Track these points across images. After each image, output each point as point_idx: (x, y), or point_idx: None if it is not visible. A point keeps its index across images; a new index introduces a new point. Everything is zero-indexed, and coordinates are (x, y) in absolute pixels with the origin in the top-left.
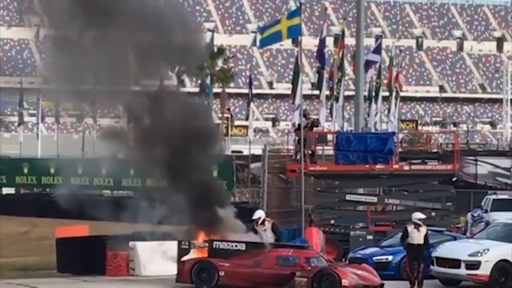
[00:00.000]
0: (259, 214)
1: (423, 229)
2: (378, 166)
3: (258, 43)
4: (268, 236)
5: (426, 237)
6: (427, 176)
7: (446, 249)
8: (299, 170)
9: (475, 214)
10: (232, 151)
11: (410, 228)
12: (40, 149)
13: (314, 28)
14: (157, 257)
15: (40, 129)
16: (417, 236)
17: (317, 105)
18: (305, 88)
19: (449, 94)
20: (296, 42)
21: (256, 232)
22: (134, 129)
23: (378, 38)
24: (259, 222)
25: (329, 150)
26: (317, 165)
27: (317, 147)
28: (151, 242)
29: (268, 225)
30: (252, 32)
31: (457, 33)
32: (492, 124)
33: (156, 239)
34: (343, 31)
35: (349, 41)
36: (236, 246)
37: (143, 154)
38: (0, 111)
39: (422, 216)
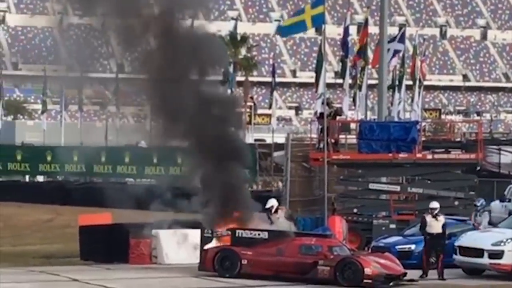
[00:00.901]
0: (272, 202)
1: (441, 219)
2: (401, 155)
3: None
4: (282, 225)
5: (444, 227)
6: (450, 165)
7: (469, 238)
8: (322, 159)
9: (478, 204)
10: (255, 140)
11: (428, 217)
12: (64, 137)
13: (338, 17)
14: (179, 245)
15: (64, 117)
16: (435, 225)
17: (340, 93)
18: (328, 76)
19: (472, 83)
20: (319, 31)
21: (271, 221)
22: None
23: (401, 26)
24: (273, 210)
25: (352, 138)
26: (340, 154)
27: (340, 136)
28: (174, 230)
29: (281, 213)
30: (276, 20)
31: (481, 21)
32: None
33: (178, 227)
34: (366, 20)
35: (373, 29)
36: (258, 234)
37: (166, 143)
38: (23, 99)
39: (437, 205)
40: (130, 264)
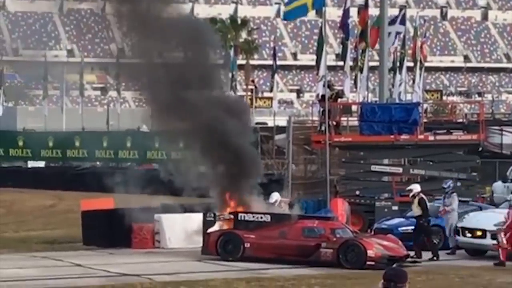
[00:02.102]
0: (275, 197)
1: (416, 201)
2: (403, 137)
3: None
4: None
5: (422, 207)
6: (452, 146)
7: (472, 219)
8: (324, 141)
9: (445, 186)
10: (257, 123)
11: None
12: (65, 122)
13: None
14: (182, 229)
15: (65, 103)
16: (413, 208)
17: (342, 76)
18: (329, 59)
19: (473, 64)
20: (320, 13)
21: None
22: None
23: (402, 8)
24: (276, 204)
25: (353, 121)
26: (342, 136)
27: (342, 118)
28: (177, 215)
29: (285, 206)
30: (276, 3)
31: (481, 2)
32: None
33: (181, 212)
34: (366, 1)
35: (373, 11)
36: (261, 217)
37: (168, 126)
38: (24, 85)
39: (412, 187)
40: (132, 248)
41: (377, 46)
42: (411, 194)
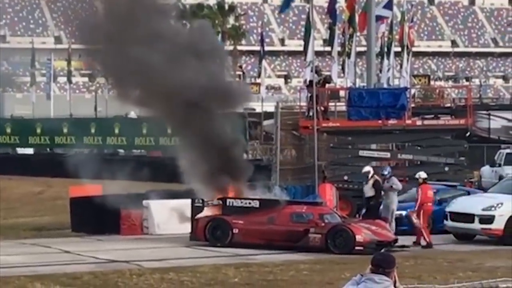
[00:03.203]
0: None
1: (371, 182)
2: (391, 122)
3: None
4: None
5: (376, 189)
6: (440, 131)
7: (460, 204)
8: (311, 127)
9: (385, 172)
10: (245, 109)
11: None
12: (53, 109)
13: None
14: (170, 216)
15: (52, 89)
16: (366, 189)
17: (329, 61)
18: (317, 44)
19: (461, 49)
20: None
21: None
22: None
23: None
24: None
25: (341, 106)
26: (329, 122)
27: (330, 104)
28: (165, 201)
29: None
30: None
31: None
32: (505, 78)
33: (170, 198)
34: None
35: None
36: (249, 203)
37: (157, 112)
38: (12, 72)
39: (367, 169)
40: (121, 235)
41: (364, 31)
42: (369, 176)
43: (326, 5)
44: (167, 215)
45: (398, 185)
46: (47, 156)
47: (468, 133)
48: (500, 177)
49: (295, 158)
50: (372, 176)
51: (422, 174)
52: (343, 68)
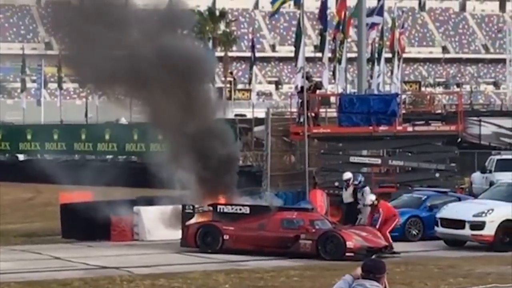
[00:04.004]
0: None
1: (350, 189)
2: (382, 128)
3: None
4: None
5: (355, 196)
6: (430, 137)
7: (451, 210)
8: (302, 133)
9: (356, 182)
10: (236, 115)
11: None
12: (43, 115)
13: None
14: (161, 222)
15: (43, 95)
16: (345, 195)
17: (320, 67)
18: (307, 50)
19: (452, 55)
20: (298, 5)
21: None
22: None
23: None
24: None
25: (332, 112)
26: (320, 128)
27: (320, 110)
28: (155, 207)
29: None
30: None
31: None
32: (496, 85)
33: (160, 204)
34: None
35: (351, 2)
36: (240, 209)
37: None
38: (2, 78)
39: (348, 176)
40: (111, 241)
41: (355, 37)
42: (350, 182)
43: (317, 11)
44: (158, 221)
45: (367, 199)
46: (37, 162)
47: (459, 139)
48: (491, 183)
49: (294, 163)
50: (352, 183)
51: (372, 197)
52: (334, 74)
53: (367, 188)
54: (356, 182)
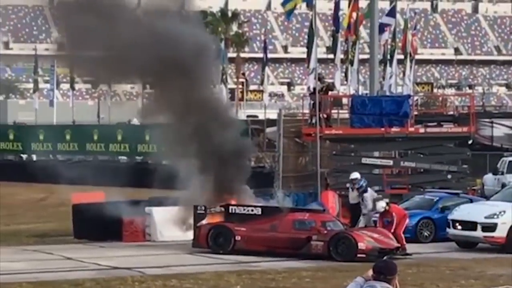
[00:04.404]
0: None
1: (355, 190)
2: (394, 129)
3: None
4: None
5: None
6: (442, 138)
7: (462, 212)
8: (314, 134)
9: (358, 186)
10: (248, 116)
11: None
12: (56, 115)
13: None
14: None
15: (55, 96)
16: (351, 196)
17: (332, 68)
18: (320, 52)
19: (464, 57)
20: (310, 6)
21: None
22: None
23: (392, 1)
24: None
25: (344, 113)
26: (332, 129)
27: (333, 111)
28: (168, 208)
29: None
30: None
31: None
32: (508, 86)
33: (172, 205)
34: None
35: (363, 3)
36: (252, 210)
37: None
38: (15, 78)
39: (355, 175)
40: (123, 242)
41: (367, 39)
42: (355, 183)
43: (329, 12)
44: (169, 222)
45: (378, 206)
46: (50, 162)
47: (471, 141)
48: (503, 185)
49: (306, 164)
50: (355, 185)
51: (383, 204)
52: (346, 76)
53: (367, 195)
54: (357, 186)
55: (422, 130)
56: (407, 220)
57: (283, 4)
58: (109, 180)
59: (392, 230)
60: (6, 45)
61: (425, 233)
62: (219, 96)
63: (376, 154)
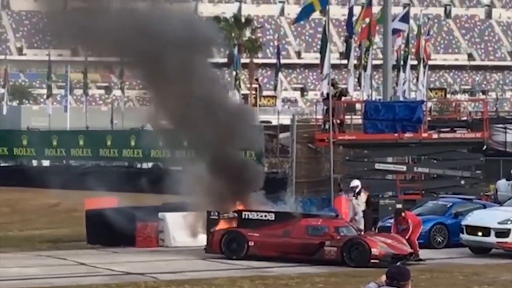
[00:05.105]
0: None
1: (363, 196)
2: (407, 135)
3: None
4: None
5: (368, 203)
6: (456, 144)
7: (476, 217)
8: (327, 140)
9: (353, 185)
10: (261, 121)
11: (350, 196)
12: (69, 121)
13: None
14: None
15: (69, 101)
16: (358, 203)
17: (345, 74)
18: (333, 57)
19: (477, 62)
20: (323, 12)
21: None
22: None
23: (405, 6)
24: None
25: (357, 119)
26: (345, 134)
27: (346, 116)
28: (181, 213)
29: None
30: (280, 2)
31: (485, 0)
32: None
33: (185, 210)
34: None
35: (376, 9)
36: (265, 216)
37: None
38: (28, 84)
39: (356, 183)
40: (137, 247)
41: (381, 44)
42: (357, 190)
43: (342, 18)
44: (182, 227)
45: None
46: (63, 168)
47: (484, 147)
48: None
49: (320, 170)
50: (361, 190)
51: (399, 208)
52: (359, 81)
53: (362, 196)
54: (353, 185)
55: (435, 136)
56: (421, 227)
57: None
58: (122, 186)
59: (407, 237)
60: (20, 51)
61: (439, 239)
62: (224, 94)
63: (390, 159)
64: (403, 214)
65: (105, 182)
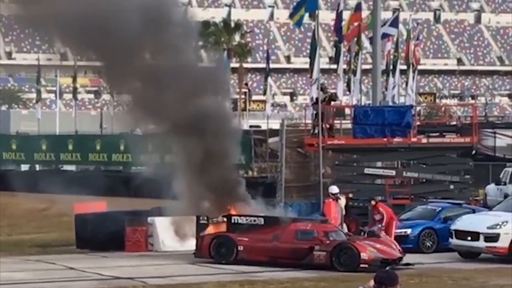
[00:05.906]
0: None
1: (342, 201)
2: (396, 140)
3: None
4: None
5: (346, 209)
6: (445, 149)
7: (465, 222)
8: (317, 144)
9: (334, 192)
10: (250, 126)
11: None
12: (58, 125)
13: (331, 2)
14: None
15: (58, 106)
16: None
17: (335, 79)
18: (322, 62)
19: (467, 67)
20: (313, 16)
21: None
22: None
23: (395, 11)
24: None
25: (347, 124)
26: (335, 139)
27: (335, 121)
28: (170, 218)
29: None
30: (269, 6)
31: (474, 5)
32: (510, 97)
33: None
34: (359, 4)
35: (365, 14)
36: (254, 220)
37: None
38: (17, 88)
39: (336, 190)
40: (126, 252)
41: (370, 49)
42: (338, 195)
43: (331, 22)
44: (172, 231)
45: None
46: (52, 172)
47: (474, 151)
48: (505, 195)
49: (309, 175)
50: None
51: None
52: (348, 86)
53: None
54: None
55: (424, 140)
56: (396, 221)
57: (291, 16)
58: (111, 190)
59: (382, 225)
60: (9, 55)
61: (428, 243)
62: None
63: (379, 164)
64: (372, 202)
65: (94, 186)
